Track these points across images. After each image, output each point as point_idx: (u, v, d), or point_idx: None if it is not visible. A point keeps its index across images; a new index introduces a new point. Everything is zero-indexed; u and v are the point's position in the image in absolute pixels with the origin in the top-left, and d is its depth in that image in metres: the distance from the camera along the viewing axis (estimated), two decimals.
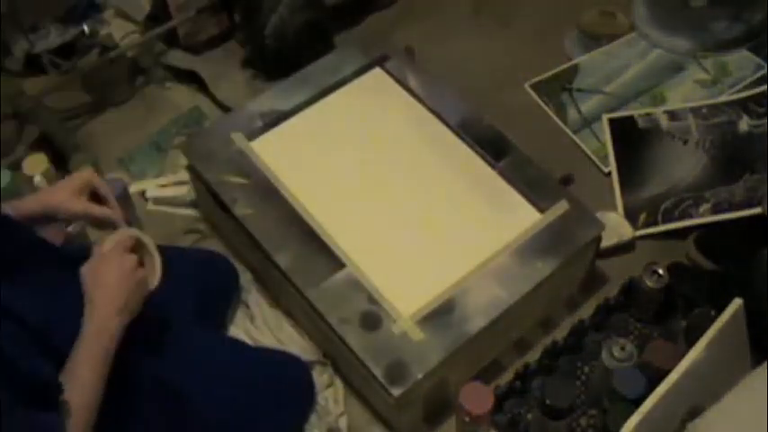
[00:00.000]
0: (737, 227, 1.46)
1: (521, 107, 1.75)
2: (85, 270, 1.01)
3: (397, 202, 1.40)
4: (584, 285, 1.45)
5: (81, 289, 1.00)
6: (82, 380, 0.93)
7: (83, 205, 1.07)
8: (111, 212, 1.09)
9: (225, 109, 1.74)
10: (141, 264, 1.06)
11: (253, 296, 1.44)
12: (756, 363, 1.07)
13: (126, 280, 1.02)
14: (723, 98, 1.69)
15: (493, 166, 1.43)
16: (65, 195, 1.06)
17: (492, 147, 1.45)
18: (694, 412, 1.12)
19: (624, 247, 1.51)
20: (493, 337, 1.30)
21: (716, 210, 1.50)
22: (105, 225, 1.10)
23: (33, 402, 0.86)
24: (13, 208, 1.04)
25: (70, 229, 1.44)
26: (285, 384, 1.28)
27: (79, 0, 1.85)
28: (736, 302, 1.24)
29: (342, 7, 1.87)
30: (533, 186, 1.40)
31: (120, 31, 1.84)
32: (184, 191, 1.62)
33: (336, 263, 1.31)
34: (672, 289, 1.37)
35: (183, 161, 1.52)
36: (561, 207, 1.36)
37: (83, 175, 1.08)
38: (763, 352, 1.22)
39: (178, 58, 1.83)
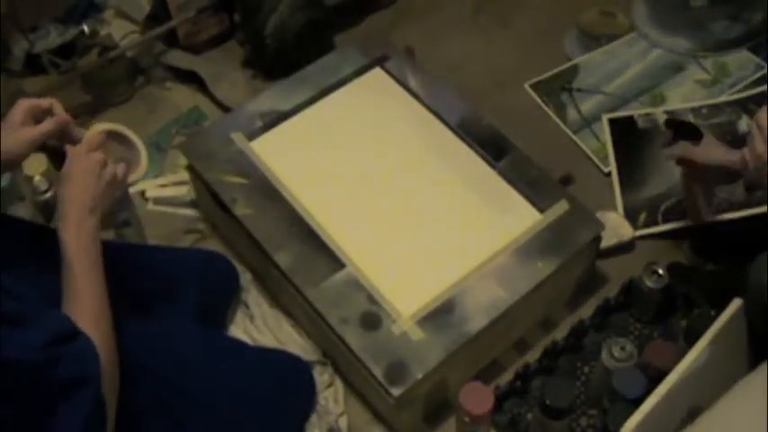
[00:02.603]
0: (737, 227, 1.46)
1: (521, 107, 1.75)
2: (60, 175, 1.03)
3: (397, 202, 1.40)
4: (584, 285, 1.45)
5: None
6: (79, 289, 0.95)
7: (30, 131, 1.05)
8: (60, 119, 1.08)
9: (225, 109, 1.74)
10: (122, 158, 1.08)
11: (252, 296, 1.44)
12: (755, 363, 1.07)
13: (92, 176, 1.03)
14: (723, 98, 1.69)
15: (493, 166, 1.43)
16: (9, 136, 1.04)
17: (492, 147, 1.45)
18: (694, 412, 1.12)
19: (624, 247, 1.51)
20: (493, 337, 1.30)
21: (716, 210, 1.50)
22: (69, 138, 1.10)
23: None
24: None
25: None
26: (285, 384, 1.28)
27: (79, 0, 1.85)
28: (736, 302, 1.24)
29: (342, 7, 1.87)
30: (533, 186, 1.40)
31: (120, 31, 1.84)
32: (184, 191, 1.62)
33: (336, 263, 1.31)
34: (672, 289, 1.37)
35: (183, 161, 1.52)
36: (561, 207, 1.36)
37: (17, 107, 1.06)
38: (762, 352, 1.22)
39: (178, 58, 1.83)
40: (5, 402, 0.80)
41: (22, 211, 1.49)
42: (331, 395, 1.33)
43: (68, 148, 1.06)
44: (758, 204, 1.45)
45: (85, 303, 0.96)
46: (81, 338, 0.91)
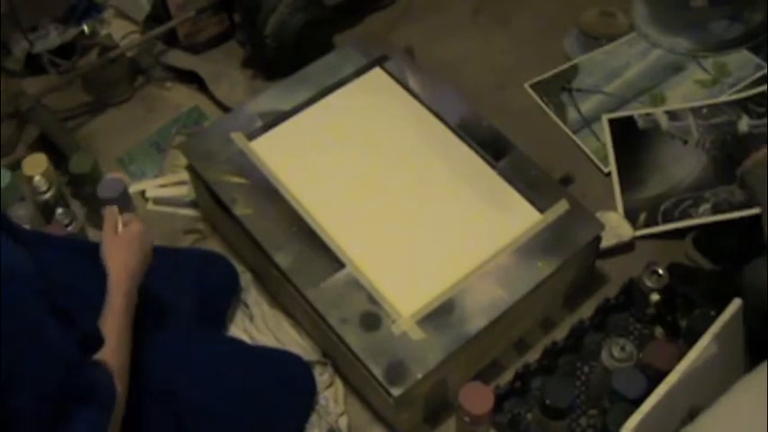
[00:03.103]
0: (737, 227, 1.46)
1: (521, 107, 1.75)
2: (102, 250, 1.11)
3: (397, 202, 1.40)
4: (584, 285, 1.45)
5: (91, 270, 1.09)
6: (118, 337, 1.02)
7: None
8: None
9: (225, 109, 1.74)
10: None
11: (252, 296, 1.44)
12: (755, 363, 1.07)
13: (145, 246, 1.14)
14: (723, 98, 1.69)
15: (493, 166, 1.43)
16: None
17: (492, 147, 1.45)
18: (694, 412, 1.12)
19: (624, 247, 1.51)
20: (493, 337, 1.30)
21: (716, 210, 1.50)
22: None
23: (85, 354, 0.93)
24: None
25: (70, 228, 1.44)
26: (285, 384, 1.28)
27: (79, 0, 1.85)
28: (736, 302, 1.24)
29: (342, 7, 1.87)
30: (533, 186, 1.40)
31: (120, 31, 1.85)
32: (184, 191, 1.62)
33: (336, 263, 1.31)
34: (672, 289, 1.37)
35: (183, 161, 1.52)
36: (561, 207, 1.36)
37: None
38: (762, 352, 1.22)
39: (178, 58, 1.83)
40: (33, 394, 0.83)
41: (22, 211, 1.49)
42: (331, 395, 1.33)
43: (132, 223, 1.16)
44: (756, 203, 1.45)
45: (118, 361, 1.00)
46: (106, 371, 0.96)
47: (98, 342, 0.96)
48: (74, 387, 0.88)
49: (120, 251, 1.11)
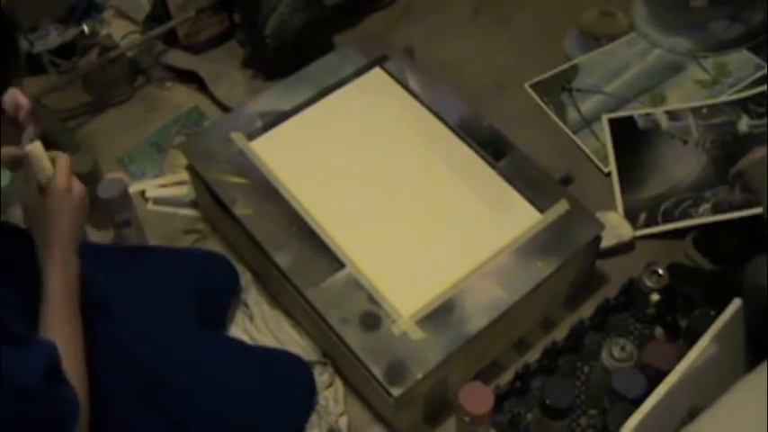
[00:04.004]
0: (737, 227, 1.46)
1: (521, 107, 1.75)
2: (32, 208, 1.00)
3: (397, 202, 1.40)
4: (584, 285, 1.45)
5: None
6: (63, 335, 0.93)
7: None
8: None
9: (225, 109, 1.74)
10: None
11: (252, 296, 1.44)
12: (755, 363, 1.07)
13: (78, 214, 1.01)
14: (723, 98, 1.69)
15: (493, 166, 1.43)
16: None
17: (492, 147, 1.45)
18: (694, 412, 1.12)
19: (624, 247, 1.51)
20: (493, 337, 1.30)
21: (716, 210, 1.50)
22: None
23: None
24: None
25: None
26: (285, 384, 1.28)
27: (79, 0, 1.85)
28: (736, 302, 1.24)
29: (342, 7, 1.87)
30: (533, 186, 1.40)
31: (120, 31, 1.85)
32: (184, 191, 1.62)
33: (336, 263, 1.31)
34: (672, 289, 1.37)
35: (183, 161, 1.52)
36: (561, 207, 1.36)
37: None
38: (762, 352, 1.22)
39: (178, 58, 1.83)
40: None
41: (21, 211, 1.48)
42: (331, 395, 1.33)
43: (48, 184, 1.00)
44: (756, 203, 1.45)
45: (69, 349, 0.93)
46: (68, 385, 0.90)
47: (58, 367, 0.88)
48: (35, 417, 0.82)
49: (70, 211, 0.98)
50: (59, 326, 0.94)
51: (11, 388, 0.80)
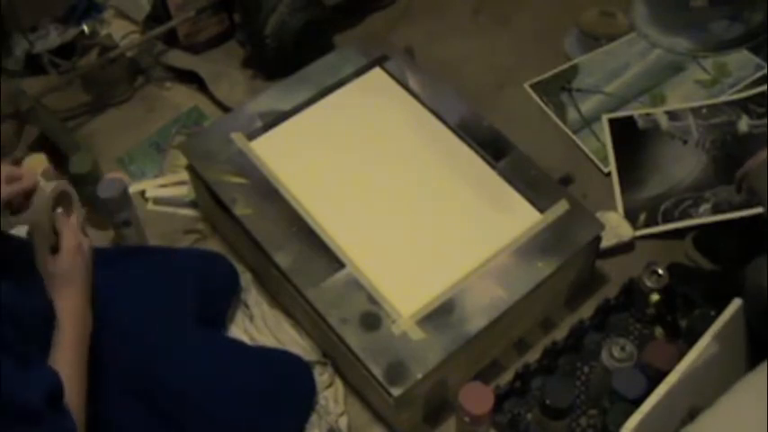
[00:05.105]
0: (737, 227, 1.46)
1: (521, 107, 1.75)
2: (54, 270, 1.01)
3: (397, 202, 1.40)
4: (584, 285, 1.45)
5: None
6: (68, 375, 0.94)
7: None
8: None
9: (225, 109, 1.74)
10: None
11: (252, 296, 1.44)
12: (755, 363, 1.07)
13: (87, 269, 1.04)
14: (723, 98, 1.69)
15: (493, 166, 1.43)
16: None
17: (492, 147, 1.45)
18: (694, 412, 1.12)
19: (624, 247, 1.51)
20: (493, 337, 1.30)
21: (716, 210, 1.50)
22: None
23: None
24: None
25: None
26: (285, 384, 1.28)
27: (79, 0, 1.85)
28: (736, 302, 1.24)
29: (342, 7, 1.87)
30: (533, 186, 1.40)
31: (120, 31, 1.85)
32: (184, 191, 1.62)
33: (336, 263, 1.31)
34: (672, 289, 1.37)
35: (183, 161, 1.52)
36: (561, 207, 1.36)
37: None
38: (762, 352, 1.22)
39: (178, 58, 1.83)
40: None
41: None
42: (331, 395, 1.33)
43: (64, 242, 1.02)
44: (758, 204, 1.45)
45: (73, 387, 0.95)
46: (69, 416, 0.91)
47: (60, 393, 0.90)
48: None
49: (81, 274, 1.02)
50: (67, 367, 0.96)
51: (10, 404, 0.81)
